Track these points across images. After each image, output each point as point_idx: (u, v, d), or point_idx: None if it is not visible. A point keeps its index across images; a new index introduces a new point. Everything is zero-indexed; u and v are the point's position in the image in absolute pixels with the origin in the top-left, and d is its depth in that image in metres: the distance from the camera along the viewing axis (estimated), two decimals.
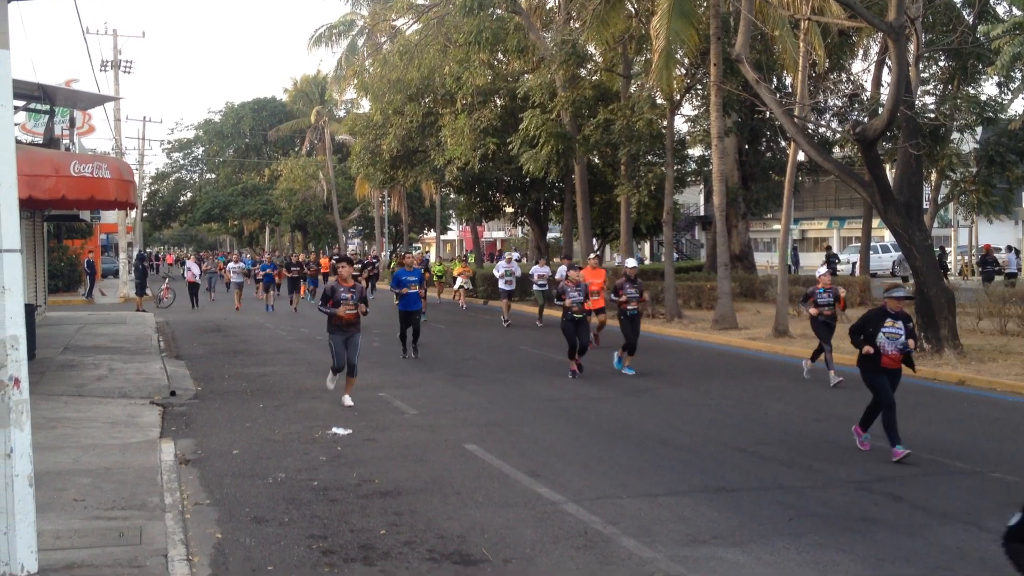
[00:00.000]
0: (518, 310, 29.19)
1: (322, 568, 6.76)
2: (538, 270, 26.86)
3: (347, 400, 13.44)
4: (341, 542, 7.33)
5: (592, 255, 20.76)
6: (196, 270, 36.52)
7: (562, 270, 24.48)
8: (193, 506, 8.35)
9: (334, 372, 13.79)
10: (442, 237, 73.15)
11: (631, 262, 18.26)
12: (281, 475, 9.47)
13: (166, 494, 8.42)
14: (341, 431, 11.58)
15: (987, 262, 32.77)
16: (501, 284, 27.29)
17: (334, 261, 45.67)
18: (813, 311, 15.58)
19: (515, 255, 28.60)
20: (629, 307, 16.32)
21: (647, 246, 58.24)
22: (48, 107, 17.68)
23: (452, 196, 54.95)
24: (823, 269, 17.15)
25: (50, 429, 11.18)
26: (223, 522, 7.89)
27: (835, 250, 52.17)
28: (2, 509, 5.47)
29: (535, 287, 26.69)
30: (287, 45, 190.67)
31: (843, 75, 33.39)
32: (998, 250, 37.95)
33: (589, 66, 30.69)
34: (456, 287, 33.81)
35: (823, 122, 31.47)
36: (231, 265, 37.00)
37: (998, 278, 32.69)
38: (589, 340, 16.64)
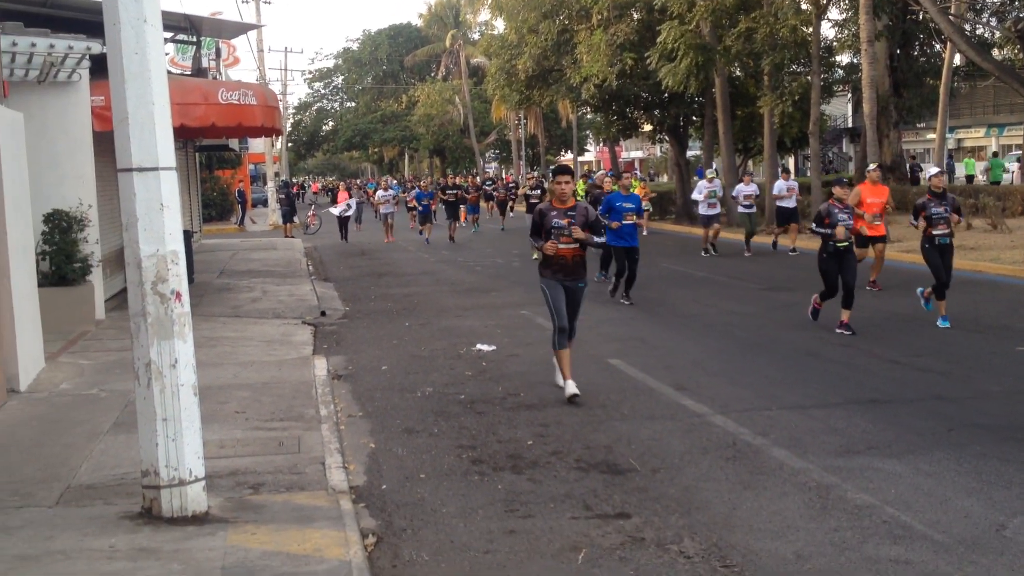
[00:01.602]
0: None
1: (472, 476, 6.88)
2: (743, 189, 22.48)
3: (570, 386, 8.92)
4: (489, 452, 7.44)
5: (873, 166, 16.09)
6: (353, 204, 33.09)
7: (780, 184, 22.16)
8: (347, 418, 8.61)
9: (558, 339, 9.07)
10: (579, 158, 72.61)
11: (933, 170, 13.82)
12: (429, 389, 9.66)
13: (321, 407, 8.70)
14: (485, 347, 11.71)
15: None
16: (702, 208, 22.33)
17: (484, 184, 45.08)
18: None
19: (713, 172, 23.62)
20: (937, 231, 12.23)
21: (792, 160, 56.45)
22: (195, 38, 18.17)
23: (588, 115, 54.22)
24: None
25: (211, 347, 11.67)
26: (375, 433, 8.11)
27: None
28: (170, 417, 5.72)
29: (740, 209, 22.60)
30: None
31: None
32: None
33: None
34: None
35: (981, 21, 29.64)
36: (380, 193, 33.25)
37: None
38: (854, 279, 12.03)
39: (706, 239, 22.41)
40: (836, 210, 11.94)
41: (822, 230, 11.84)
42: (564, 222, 8.86)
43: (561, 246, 8.88)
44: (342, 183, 40.09)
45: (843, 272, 11.85)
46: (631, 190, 15.86)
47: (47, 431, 7.94)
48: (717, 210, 22.41)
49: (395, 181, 58.22)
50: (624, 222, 14.48)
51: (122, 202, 5.74)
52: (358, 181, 61.93)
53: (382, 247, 28.48)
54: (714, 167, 27.26)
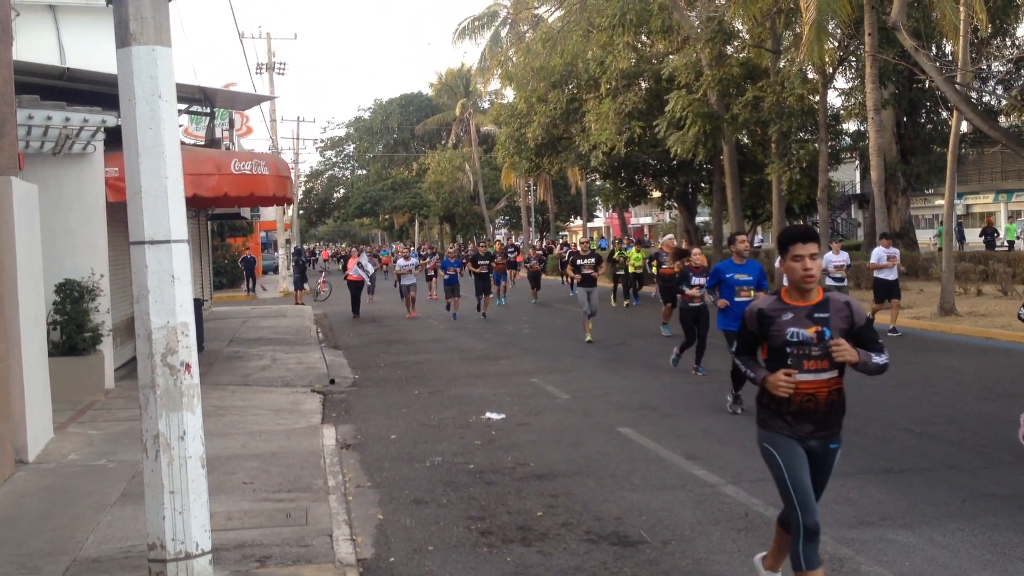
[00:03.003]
0: None
1: (481, 548, 6.81)
2: (833, 259, 18.49)
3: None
4: (499, 523, 7.37)
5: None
6: (369, 268, 29.31)
7: (879, 252, 18.70)
8: (355, 488, 8.55)
9: (804, 547, 5.02)
10: (588, 224, 72.98)
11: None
12: (438, 459, 9.60)
13: (329, 477, 8.65)
14: (495, 416, 11.66)
15: None
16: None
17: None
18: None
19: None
20: None
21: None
22: (208, 109, 18.42)
23: (598, 182, 54.67)
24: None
25: (219, 416, 11.65)
26: (384, 504, 8.04)
27: (999, 224, 49.41)
28: (177, 489, 5.69)
29: (829, 281, 18.10)
30: (433, 40, 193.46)
31: (1007, 39, 31.61)
32: None
33: (736, 43, 30.00)
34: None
35: (987, 89, 29.90)
36: (401, 262, 29.03)
37: None
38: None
39: None
40: None
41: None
42: (812, 332, 5.14)
43: (806, 376, 5.16)
44: (354, 249, 36.13)
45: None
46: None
47: (55, 502, 7.90)
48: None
49: (414, 249, 57.57)
50: (737, 299, 11.58)
51: (134, 274, 5.79)
52: (369, 248, 61.29)
53: (391, 313, 28.44)
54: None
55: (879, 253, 19.00)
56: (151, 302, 5.70)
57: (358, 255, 29.36)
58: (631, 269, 28.60)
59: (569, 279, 30.97)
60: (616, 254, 29.90)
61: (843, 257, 18.79)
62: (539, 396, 13.11)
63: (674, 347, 14.94)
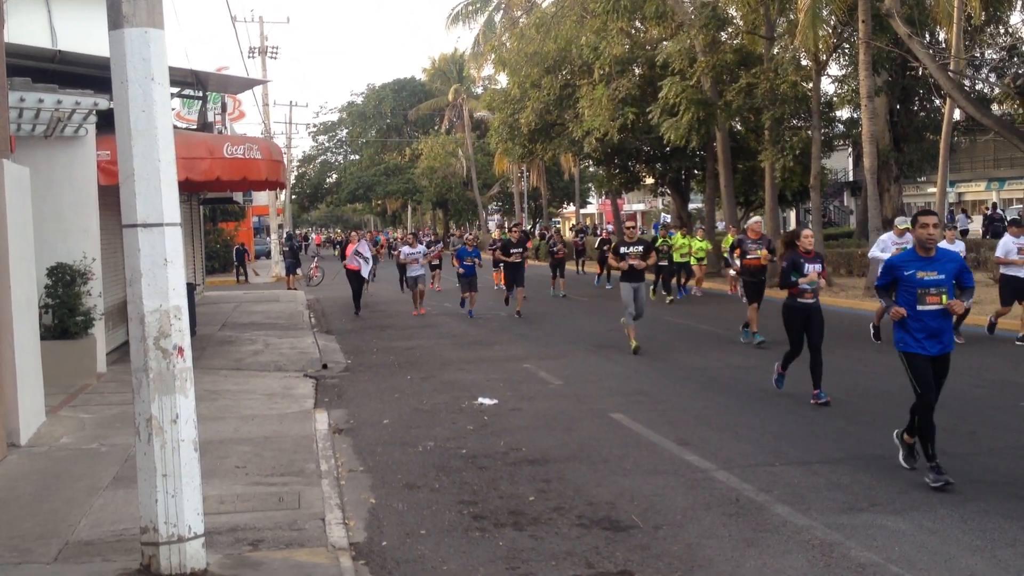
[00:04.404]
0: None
1: (473, 532, 6.83)
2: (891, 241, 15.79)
3: None
4: (491, 508, 7.40)
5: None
6: (368, 256, 24.07)
7: (1008, 243, 15.50)
8: (347, 473, 8.57)
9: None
10: (582, 211, 72.95)
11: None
12: (430, 443, 9.62)
13: (322, 461, 8.67)
14: (487, 401, 11.69)
15: None
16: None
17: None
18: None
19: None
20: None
21: (793, 213, 56.72)
22: (201, 93, 18.38)
23: (591, 168, 54.64)
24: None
25: (212, 401, 11.65)
26: (376, 488, 8.06)
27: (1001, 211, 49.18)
28: (169, 473, 5.70)
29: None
30: (426, 24, 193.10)
31: (1000, 27, 31.61)
32: None
33: (730, 29, 29.99)
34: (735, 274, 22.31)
35: (980, 77, 29.93)
36: (407, 250, 24.41)
37: None
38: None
39: (880, 316, 15.56)
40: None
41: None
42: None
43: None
44: (354, 232, 29.05)
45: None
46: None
47: (47, 486, 7.90)
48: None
49: (427, 234, 52.88)
50: (922, 306, 7.98)
51: (126, 257, 5.78)
52: (371, 233, 59.79)
53: (384, 299, 28.28)
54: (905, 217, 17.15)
55: (1007, 244, 15.42)
56: (144, 285, 5.69)
57: (357, 240, 24.85)
58: (676, 258, 25.17)
59: (606, 270, 29.31)
60: (660, 242, 25.02)
61: (908, 239, 14.78)
62: (532, 382, 13.14)
63: (775, 363, 11.99)
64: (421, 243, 27.95)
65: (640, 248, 15.45)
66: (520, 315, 21.35)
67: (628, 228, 16.43)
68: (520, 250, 22.12)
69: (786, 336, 11.58)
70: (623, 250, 15.36)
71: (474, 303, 22.29)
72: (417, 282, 23.53)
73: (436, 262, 29.23)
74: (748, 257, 16.45)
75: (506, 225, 57.58)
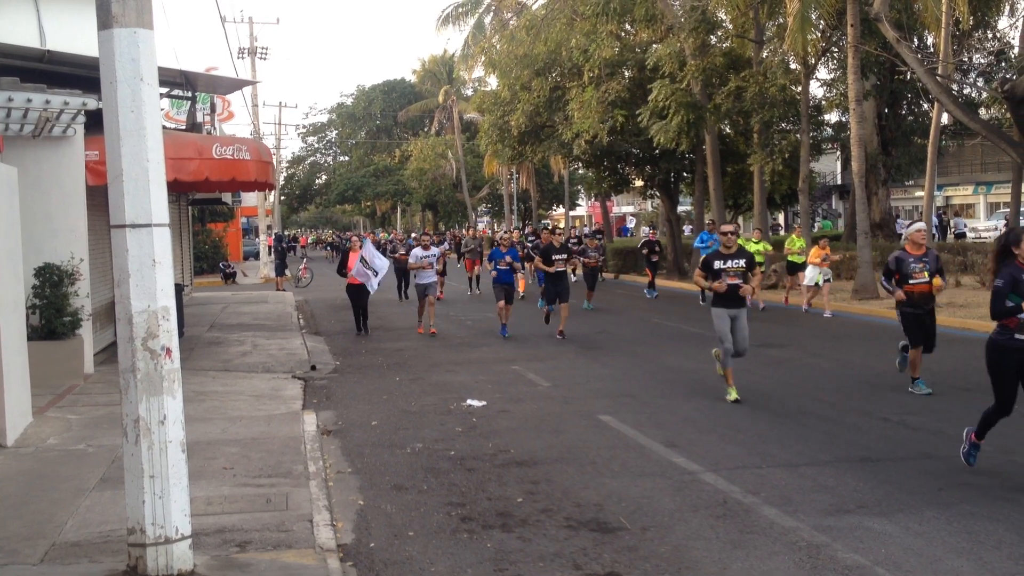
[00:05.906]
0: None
1: (461, 534, 6.83)
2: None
3: None
4: (479, 509, 7.40)
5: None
6: (378, 265, 19.09)
7: None
8: (335, 474, 8.56)
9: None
10: (571, 213, 73.00)
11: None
12: (418, 445, 9.62)
13: (310, 463, 8.66)
14: (476, 403, 11.69)
15: None
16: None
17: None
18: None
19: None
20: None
21: (781, 216, 56.89)
22: (190, 93, 18.34)
23: (580, 171, 54.67)
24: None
25: (199, 402, 11.63)
26: (364, 489, 8.06)
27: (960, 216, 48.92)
28: (157, 474, 5.69)
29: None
30: (415, 26, 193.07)
31: (988, 32, 31.78)
32: None
33: (719, 33, 30.05)
34: (808, 282, 21.33)
35: (968, 81, 30.07)
36: (420, 252, 19.75)
37: None
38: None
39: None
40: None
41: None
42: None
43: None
44: (355, 237, 24.17)
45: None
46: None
47: (34, 487, 7.87)
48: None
49: (453, 234, 50.67)
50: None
51: (114, 258, 5.77)
52: (355, 233, 58.27)
53: (373, 300, 27.45)
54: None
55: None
56: (132, 286, 5.68)
57: (360, 246, 19.98)
58: None
59: (655, 277, 26.92)
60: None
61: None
62: (520, 384, 13.14)
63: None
64: (436, 246, 23.25)
65: (741, 262, 11.45)
66: (563, 335, 17.90)
67: (725, 235, 11.66)
68: (563, 257, 18.76)
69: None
70: (717, 264, 11.40)
71: (508, 317, 18.65)
72: (427, 291, 19.31)
73: (441, 267, 25.24)
74: (911, 282, 11.61)
75: (516, 224, 56.71)
